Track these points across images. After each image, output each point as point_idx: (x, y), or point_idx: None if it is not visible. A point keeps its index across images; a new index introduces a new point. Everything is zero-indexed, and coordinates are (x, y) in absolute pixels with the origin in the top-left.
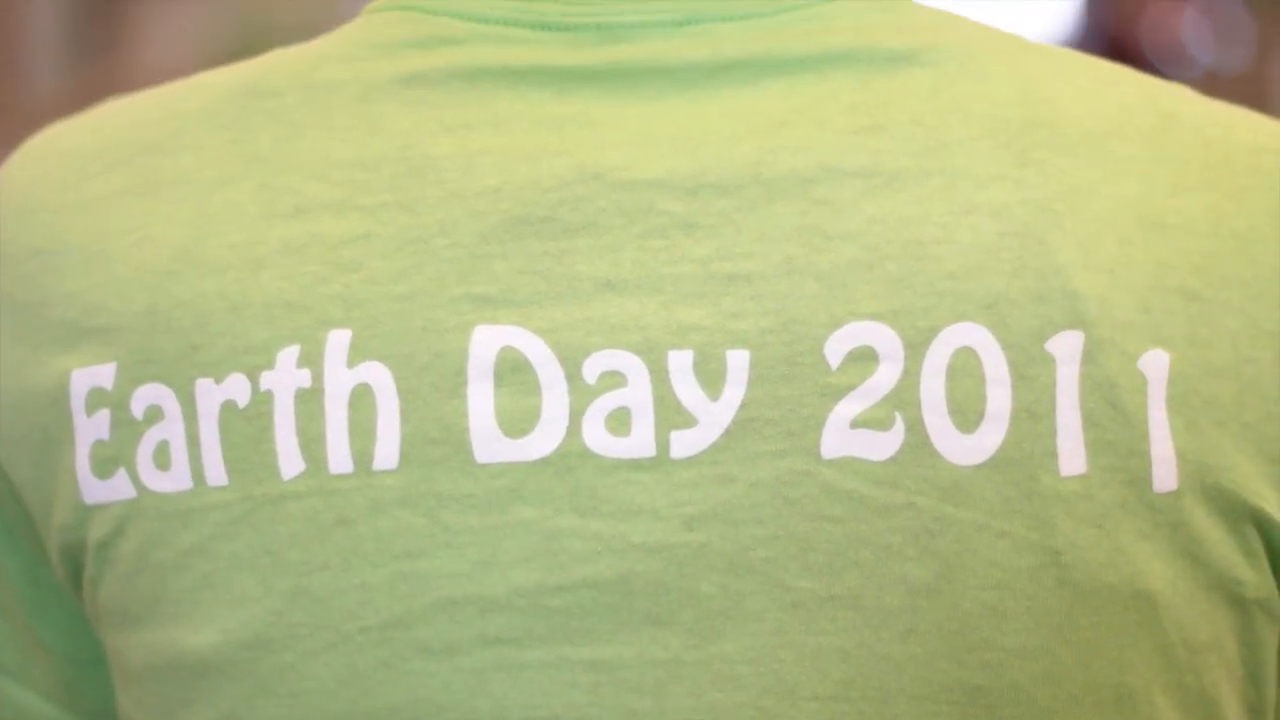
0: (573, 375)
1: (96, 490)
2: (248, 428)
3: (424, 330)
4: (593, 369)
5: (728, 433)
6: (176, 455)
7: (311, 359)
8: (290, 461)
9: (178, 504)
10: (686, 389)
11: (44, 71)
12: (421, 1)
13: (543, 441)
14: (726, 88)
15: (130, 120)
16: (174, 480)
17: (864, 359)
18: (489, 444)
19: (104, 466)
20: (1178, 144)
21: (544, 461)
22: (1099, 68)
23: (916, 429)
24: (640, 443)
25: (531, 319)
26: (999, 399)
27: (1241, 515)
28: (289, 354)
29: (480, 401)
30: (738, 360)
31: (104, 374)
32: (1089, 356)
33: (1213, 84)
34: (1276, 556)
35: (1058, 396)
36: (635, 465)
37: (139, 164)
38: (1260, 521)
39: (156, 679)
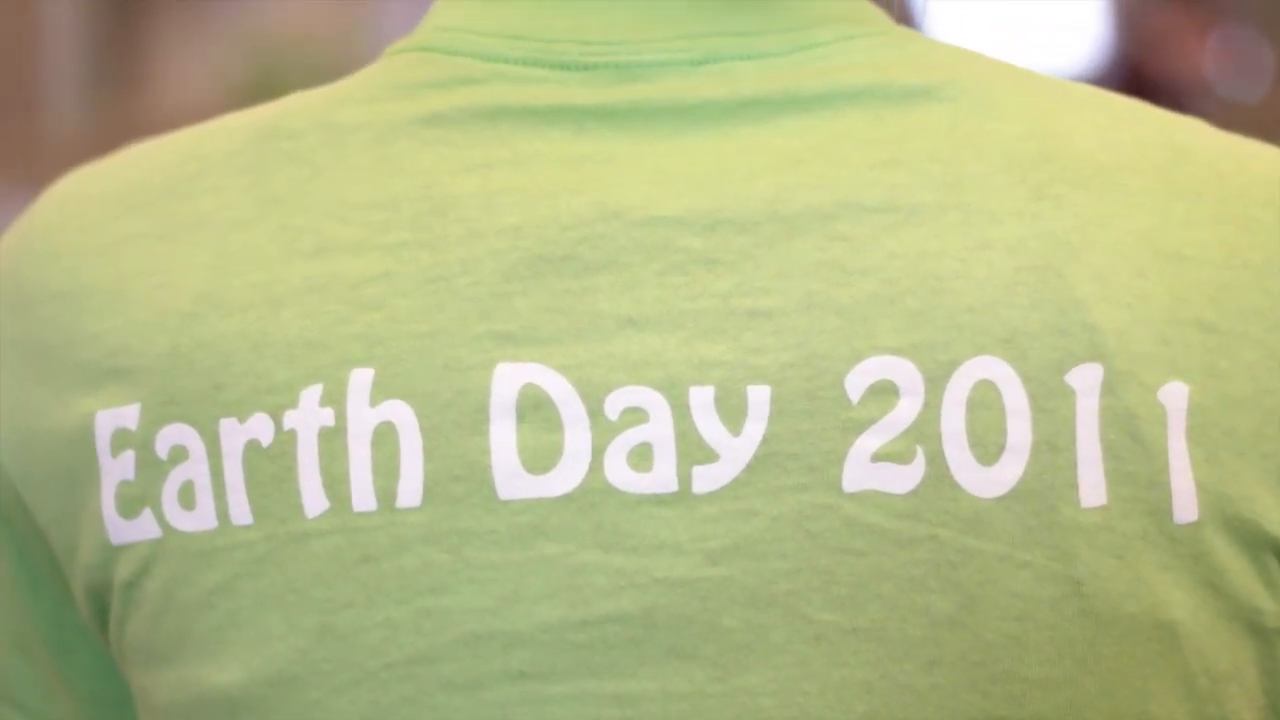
0: (595, 412)
1: (122, 530)
2: (271, 467)
3: (446, 368)
4: (615, 405)
5: (749, 467)
6: (201, 495)
7: (334, 398)
8: (314, 500)
9: (203, 543)
10: (708, 424)
11: (64, 109)
12: (441, 43)
13: (565, 478)
14: (743, 125)
15: (152, 164)
16: (199, 520)
17: (884, 393)
18: (512, 481)
19: (129, 507)
20: (1190, 178)
21: (567, 498)
22: (1113, 102)
23: (937, 462)
24: (662, 478)
25: (553, 356)
26: (1019, 431)
27: (1262, 545)
28: (312, 393)
29: (503, 439)
30: (759, 395)
31: (128, 415)
32: (1108, 389)
33: (1233, 113)
34: None
35: (1078, 428)
36: (657, 500)
37: (160, 207)
38: None
39: (183, 717)
